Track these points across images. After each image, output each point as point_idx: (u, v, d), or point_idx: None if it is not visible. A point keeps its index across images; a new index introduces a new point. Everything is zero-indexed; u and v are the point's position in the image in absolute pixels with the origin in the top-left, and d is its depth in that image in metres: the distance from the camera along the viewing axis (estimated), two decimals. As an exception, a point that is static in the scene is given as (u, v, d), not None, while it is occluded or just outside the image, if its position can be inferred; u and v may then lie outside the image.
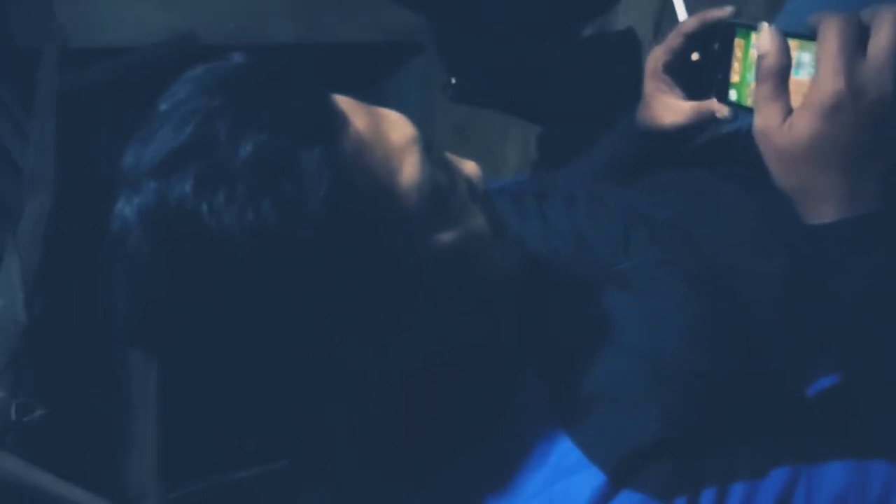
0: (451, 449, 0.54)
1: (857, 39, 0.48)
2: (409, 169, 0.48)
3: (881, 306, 0.50)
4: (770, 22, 0.53)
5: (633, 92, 0.72)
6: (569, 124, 1.41)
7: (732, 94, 0.60)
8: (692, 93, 0.68)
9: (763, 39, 0.51)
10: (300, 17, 2.00)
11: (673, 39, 0.66)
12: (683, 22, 0.66)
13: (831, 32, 0.48)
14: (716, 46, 0.61)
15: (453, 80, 1.28)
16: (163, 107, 0.46)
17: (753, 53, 0.57)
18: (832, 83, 0.48)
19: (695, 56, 0.66)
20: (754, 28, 0.57)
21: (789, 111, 0.50)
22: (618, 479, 0.47)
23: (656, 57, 0.68)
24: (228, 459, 1.60)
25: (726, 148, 0.74)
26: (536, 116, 1.50)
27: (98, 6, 1.87)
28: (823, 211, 0.50)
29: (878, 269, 0.50)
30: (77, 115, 1.72)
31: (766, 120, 0.51)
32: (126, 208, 0.44)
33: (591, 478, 0.48)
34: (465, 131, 1.99)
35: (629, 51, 1.27)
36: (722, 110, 0.62)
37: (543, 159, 1.53)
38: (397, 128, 0.49)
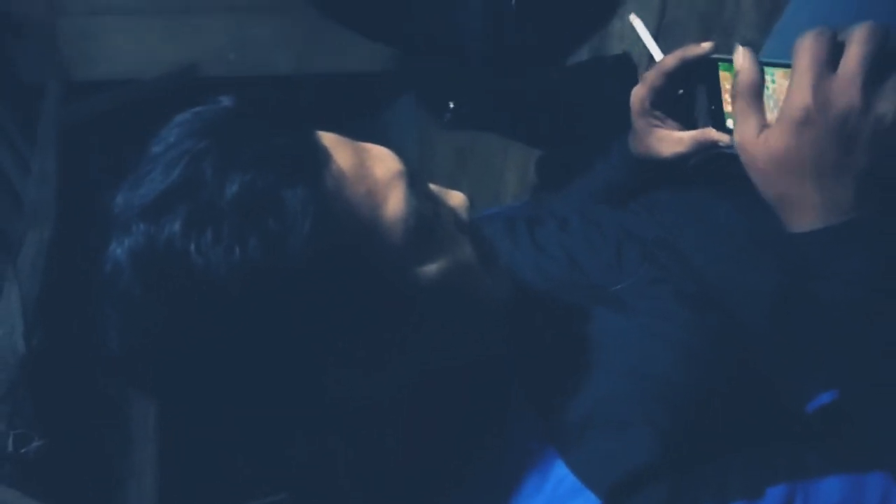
0: (446, 474, 0.53)
1: (830, 56, 0.49)
2: (394, 203, 0.49)
3: (868, 312, 0.50)
4: (761, 46, 0.54)
5: (629, 114, 0.72)
6: (568, 147, 1.41)
7: (730, 123, 0.62)
8: (684, 122, 0.69)
9: (738, 59, 0.53)
10: (299, 48, 2.02)
11: (654, 79, 0.67)
12: (662, 61, 0.67)
13: (803, 49, 0.49)
14: (702, 81, 0.63)
15: (451, 105, 1.28)
16: (153, 150, 0.47)
17: None
18: (801, 98, 0.49)
19: (680, 92, 0.67)
20: None
21: (765, 125, 0.52)
22: (613, 503, 0.47)
23: (640, 96, 0.69)
24: (228, 494, 1.58)
25: (718, 166, 0.74)
26: (536, 140, 1.50)
27: (100, 40, 1.90)
28: (804, 220, 0.51)
29: (860, 274, 0.50)
30: (79, 146, 1.73)
31: (742, 133, 0.52)
32: (117, 250, 0.45)
33: (586, 503, 0.47)
34: (466, 155, 2.00)
35: (625, 74, 1.28)
36: (723, 138, 0.64)
37: (543, 182, 1.53)
38: (382, 162, 0.50)
